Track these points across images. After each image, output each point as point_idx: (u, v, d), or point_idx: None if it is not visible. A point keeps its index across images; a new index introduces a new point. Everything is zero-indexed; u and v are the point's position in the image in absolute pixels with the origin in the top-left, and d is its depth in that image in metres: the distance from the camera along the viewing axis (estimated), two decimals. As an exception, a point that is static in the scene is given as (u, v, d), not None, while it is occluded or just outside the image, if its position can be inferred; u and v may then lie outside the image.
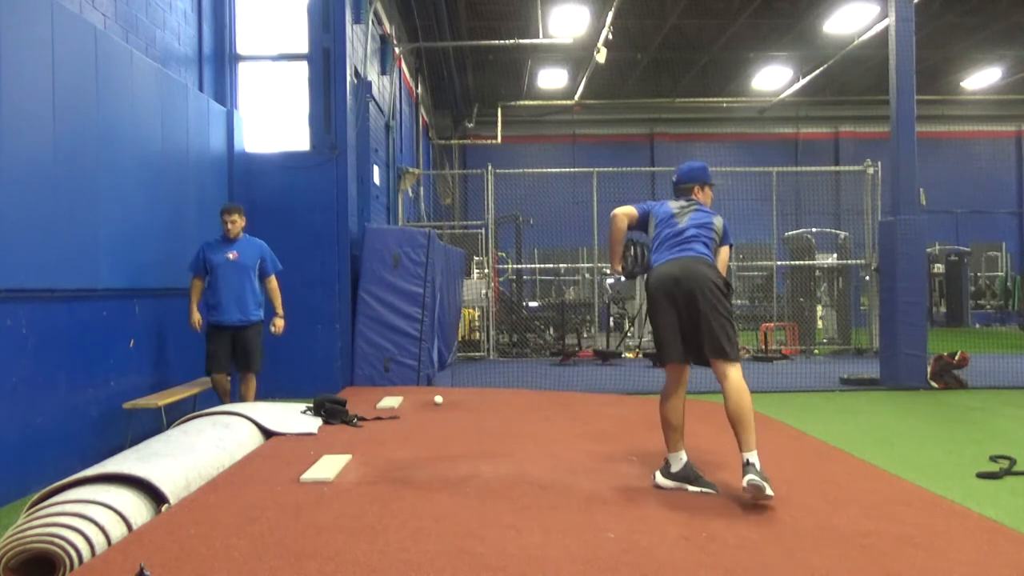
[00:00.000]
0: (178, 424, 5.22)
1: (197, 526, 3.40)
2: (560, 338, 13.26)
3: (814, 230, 14.10)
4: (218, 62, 8.59)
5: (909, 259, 8.68)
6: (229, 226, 6.37)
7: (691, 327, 4.13)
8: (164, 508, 3.66)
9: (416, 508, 3.71)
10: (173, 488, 3.80)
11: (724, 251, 4.42)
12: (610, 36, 14.31)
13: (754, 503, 3.73)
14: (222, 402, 6.20)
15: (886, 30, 9.39)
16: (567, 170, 16.98)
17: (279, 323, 6.58)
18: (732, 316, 4.22)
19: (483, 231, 13.88)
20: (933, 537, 3.36)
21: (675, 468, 4.12)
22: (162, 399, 5.71)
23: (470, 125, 21.24)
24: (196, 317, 6.35)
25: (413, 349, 8.65)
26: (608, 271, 17.38)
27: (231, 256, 6.33)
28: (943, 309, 19.32)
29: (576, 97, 20.32)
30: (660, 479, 4.15)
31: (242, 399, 6.33)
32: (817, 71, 18.06)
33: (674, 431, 4.16)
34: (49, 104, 4.98)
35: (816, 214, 16.45)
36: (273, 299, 6.59)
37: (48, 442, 4.92)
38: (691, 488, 4.04)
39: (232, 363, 6.41)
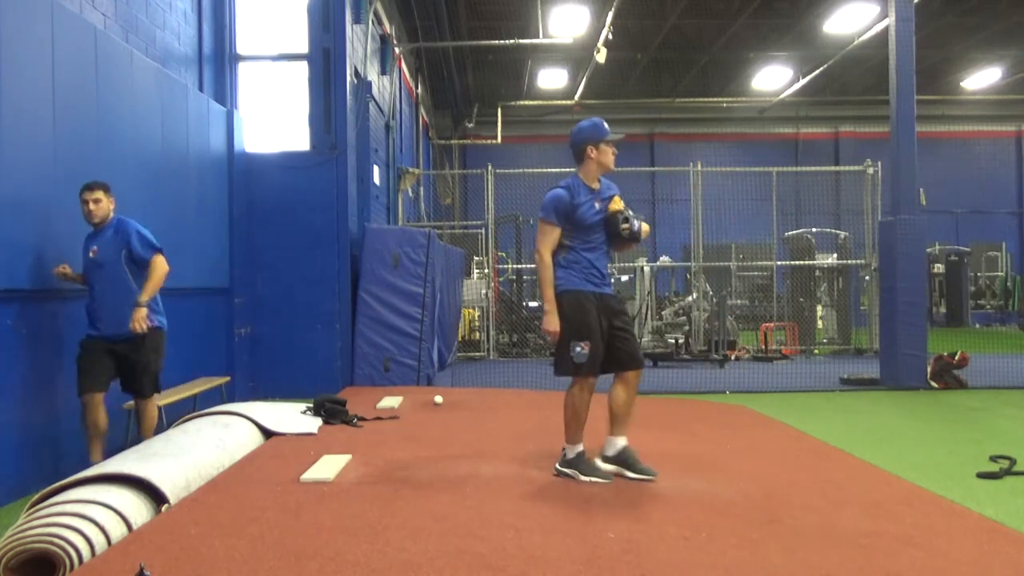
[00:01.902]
0: (178, 424, 5.22)
1: (197, 526, 3.40)
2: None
3: (814, 230, 14.10)
4: (218, 62, 8.59)
5: (909, 259, 8.68)
6: (91, 207, 4.79)
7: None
8: (164, 508, 3.66)
9: (416, 508, 3.71)
10: (173, 488, 3.80)
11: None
12: (610, 36, 14.32)
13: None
14: (89, 436, 4.79)
15: (886, 30, 9.39)
16: (567, 170, 16.92)
17: (136, 314, 4.79)
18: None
19: (483, 231, 13.88)
20: (933, 537, 3.36)
21: (571, 455, 4.35)
22: (162, 399, 5.70)
23: (470, 125, 21.24)
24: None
25: (413, 349, 8.65)
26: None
27: (91, 253, 4.85)
28: (943, 309, 19.32)
29: (576, 97, 20.32)
30: (561, 467, 4.37)
31: (140, 430, 5.02)
32: (817, 71, 18.07)
33: (582, 425, 4.34)
34: (49, 104, 4.98)
35: (816, 214, 16.45)
36: (145, 284, 4.91)
37: (48, 442, 4.92)
38: (583, 477, 4.24)
39: (122, 385, 5.03)
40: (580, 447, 4.33)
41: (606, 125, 4.40)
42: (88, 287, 4.94)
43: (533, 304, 15.58)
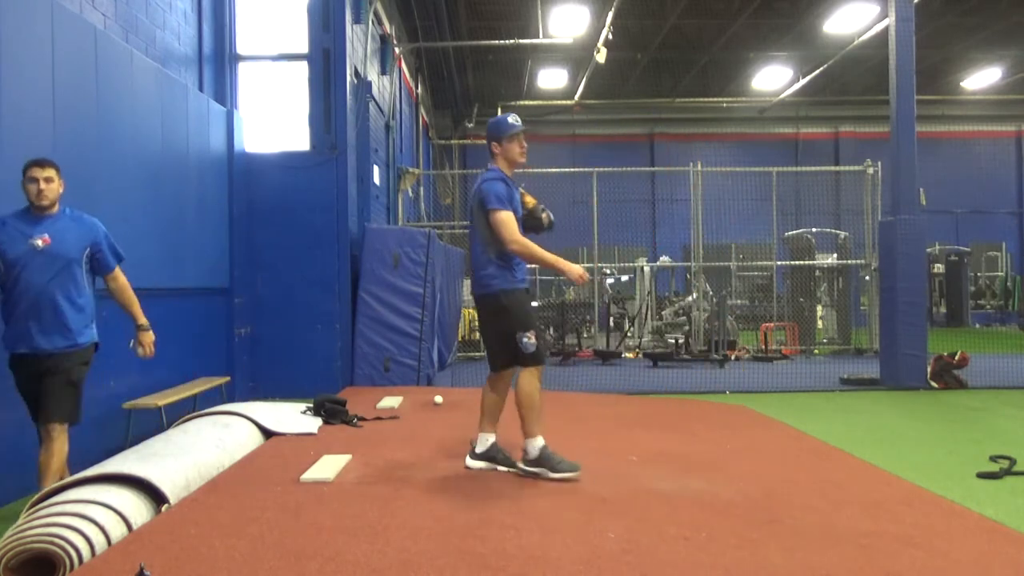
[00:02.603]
0: (178, 424, 5.22)
1: (197, 526, 3.40)
2: (560, 338, 13.26)
3: (814, 230, 14.10)
4: (218, 62, 8.59)
5: (909, 259, 8.68)
6: (42, 186, 3.98)
7: None
8: (164, 508, 3.66)
9: (416, 508, 3.71)
10: (173, 488, 3.80)
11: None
12: (610, 36, 14.32)
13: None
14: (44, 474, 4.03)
15: (886, 30, 9.39)
16: (567, 170, 16.95)
17: (146, 339, 4.38)
18: None
19: (483, 231, 13.84)
20: (933, 537, 3.36)
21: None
22: (162, 399, 5.71)
23: (470, 125, 21.25)
24: None
25: (413, 349, 8.65)
26: (608, 271, 17.41)
27: (40, 242, 3.98)
28: (943, 309, 19.32)
29: (576, 97, 20.33)
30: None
31: (40, 469, 4.00)
32: (817, 71, 18.07)
33: (541, 415, 4.40)
34: (49, 104, 4.98)
35: (816, 214, 16.44)
36: (128, 305, 4.35)
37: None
38: (552, 475, 4.25)
39: (35, 410, 4.09)
40: (540, 440, 4.34)
41: (510, 120, 4.52)
42: (10, 290, 3.99)
43: (533, 304, 15.59)
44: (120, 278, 4.33)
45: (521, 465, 4.35)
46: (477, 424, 4.53)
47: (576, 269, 4.36)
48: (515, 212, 4.39)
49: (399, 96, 14.18)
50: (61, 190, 4.11)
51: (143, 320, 4.37)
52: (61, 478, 3.80)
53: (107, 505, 3.36)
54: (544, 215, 4.68)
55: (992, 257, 22.15)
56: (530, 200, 4.67)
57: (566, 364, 11.16)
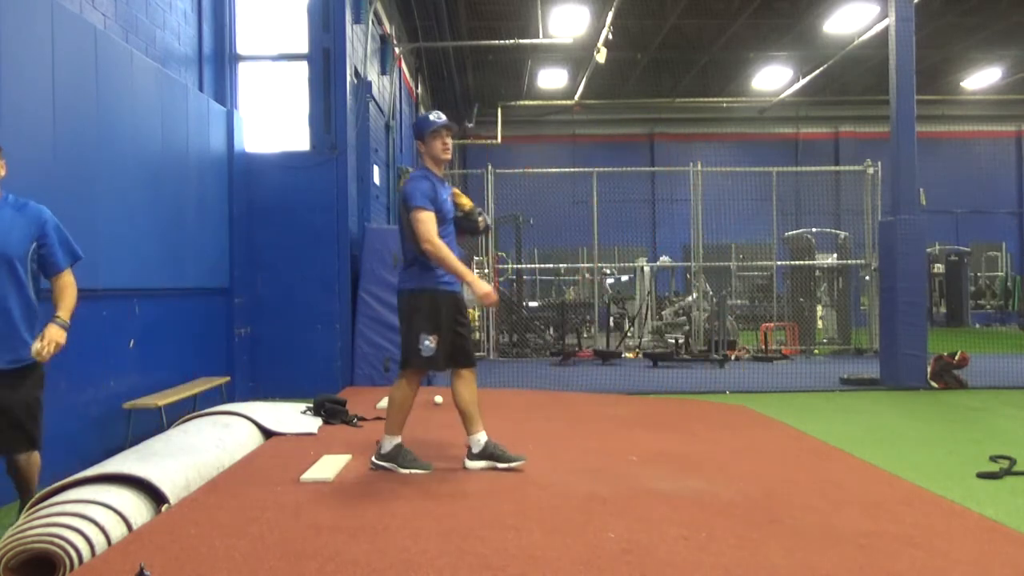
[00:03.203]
0: (178, 424, 5.22)
1: (197, 526, 3.40)
2: (560, 338, 13.26)
3: (814, 230, 14.10)
4: (218, 62, 8.59)
5: (909, 259, 8.67)
6: None
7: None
8: (164, 508, 3.66)
9: (416, 508, 3.71)
10: (173, 488, 3.80)
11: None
12: (610, 36, 14.32)
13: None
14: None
15: (886, 30, 9.39)
16: (567, 170, 16.97)
17: (52, 334, 3.37)
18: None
19: (483, 231, 13.85)
20: (933, 537, 3.36)
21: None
22: (162, 399, 5.71)
23: (470, 125, 21.24)
24: None
25: (413, 349, 8.64)
26: (608, 271, 17.39)
27: None
28: (943, 309, 19.33)
29: (576, 97, 20.33)
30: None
31: (22, 484, 3.55)
32: (817, 71, 18.07)
33: (405, 418, 4.49)
34: (49, 104, 4.98)
35: (816, 214, 16.45)
36: (60, 299, 3.52)
37: (48, 442, 4.88)
38: (402, 470, 4.36)
39: None
40: (398, 439, 4.44)
41: (432, 117, 4.50)
42: None
43: (533, 304, 15.60)
44: (66, 277, 3.57)
45: (374, 458, 4.45)
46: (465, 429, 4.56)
47: (482, 287, 4.28)
48: (441, 212, 4.37)
49: (399, 96, 14.18)
50: (3, 173, 3.44)
51: (65, 317, 3.47)
52: (32, 493, 3.49)
53: (107, 505, 3.35)
54: (481, 219, 4.71)
55: (992, 257, 22.16)
56: (466, 202, 4.67)
57: (566, 364, 11.15)
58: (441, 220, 4.37)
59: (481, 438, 4.49)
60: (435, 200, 4.33)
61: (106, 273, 5.62)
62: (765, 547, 3.20)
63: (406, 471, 4.35)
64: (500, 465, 4.45)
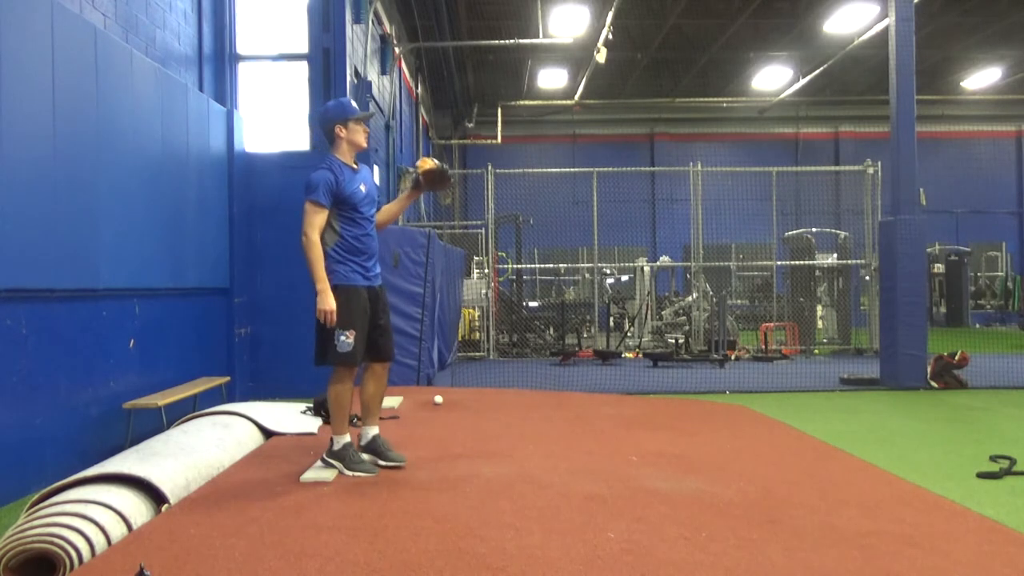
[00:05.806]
0: (178, 424, 5.22)
1: (197, 526, 3.40)
2: (560, 338, 13.26)
3: (814, 230, 14.11)
4: (218, 62, 8.59)
5: (909, 259, 8.67)
6: None
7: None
8: (164, 508, 3.66)
9: (416, 508, 3.71)
10: (173, 488, 3.80)
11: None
12: (610, 36, 14.33)
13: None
14: None
15: (886, 30, 9.39)
16: (567, 170, 17.00)
17: None
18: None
19: (483, 231, 13.88)
20: (933, 537, 3.36)
21: (336, 447, 4.38)
22: (162, 399, 5.71)
23: (470, 125, 21.26)
24: None
25: (413, 349, 8.64)
26: (608, 271, 17.39)
27: None
28: (943, 309, 19.33)
29: (576, 97, 20.34)
30: (325, 463, 4.41)
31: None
32: (817, 71, 18.08)
33: (347, 415, 4.44)
34: (49, 104, 4.98)
35: (816, 214, 16.47)
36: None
37: (48, 442, 4.92)
38: (347, 472, 4.29)
39: None
40: (347, 438, 4.39)
41: (353, 104, 4.49)
42: None
43: (533, 304, 15.61)
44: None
45: (324, 456, 4.42)
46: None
47: (325, 303, 4.18)
48: (353, 200, 4.32)
49: (399, 96, 14.19)
50: None
51: None
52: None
53: (107, 505, 3.36)
54: (434, 164, 4.67)
55: (992, 257, 22.17)
56: (427, 162, 4.68)
57: (566, 364, 11.16)
58: (350, 207, 4.32)
59: (371, 431, 4.51)
60: (337, 193, 4.27)
61: (106, 273, 5.63)
62: (765, 547, 3.19)
63: (351, 473, 4.29)
64: (382, 462, 4.44)
